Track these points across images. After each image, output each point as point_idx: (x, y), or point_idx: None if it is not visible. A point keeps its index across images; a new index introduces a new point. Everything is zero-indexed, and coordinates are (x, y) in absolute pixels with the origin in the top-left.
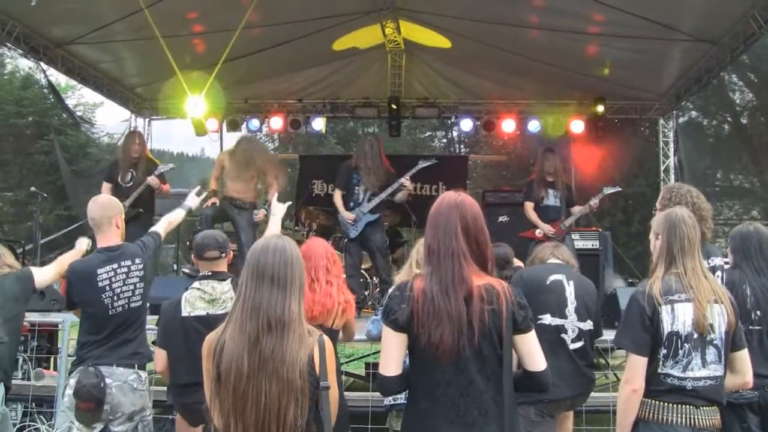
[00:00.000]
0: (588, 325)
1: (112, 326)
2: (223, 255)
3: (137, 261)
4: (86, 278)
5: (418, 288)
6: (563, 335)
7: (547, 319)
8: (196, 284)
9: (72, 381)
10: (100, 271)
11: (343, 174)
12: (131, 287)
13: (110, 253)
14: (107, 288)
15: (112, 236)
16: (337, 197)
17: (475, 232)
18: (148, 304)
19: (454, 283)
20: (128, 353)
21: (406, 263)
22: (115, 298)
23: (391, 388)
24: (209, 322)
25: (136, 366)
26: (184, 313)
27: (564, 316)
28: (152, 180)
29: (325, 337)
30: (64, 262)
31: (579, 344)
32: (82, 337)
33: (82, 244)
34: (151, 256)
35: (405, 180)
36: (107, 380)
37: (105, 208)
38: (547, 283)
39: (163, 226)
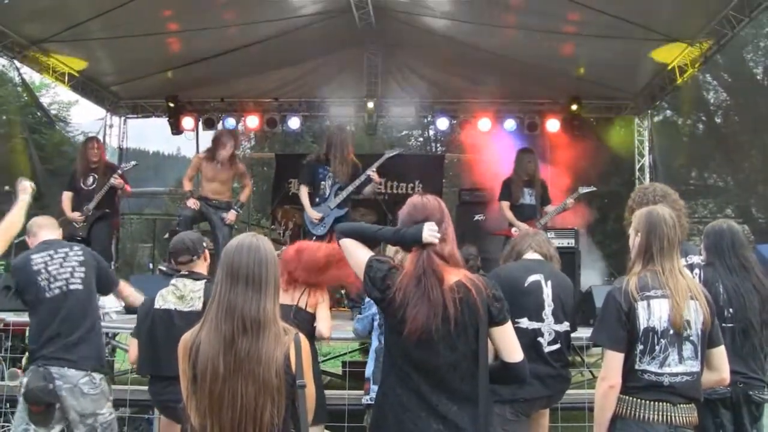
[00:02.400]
0: (564, 326)
1: (51, 312)
2: (195, 258)
3: (75, 248)
4: (22, 265)
5: (408, 269)
6: (539, 338)
7: (524, 323)
8: (173, 281)
9: (24, 380)
10: (34, 256)
11: (307, 170)
12: (69, 269)
13: (47, 244)
14: (42, 270)
15: (52, 233)
16: (303, 194)
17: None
18: (99, 301)
19: (427, 275)
20: (80, 356)
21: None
22: (51, 279)
23: None
24: (173, 317)
25: (88, 369)
26: (156, 306)
27: (541, 320)
28: (116, 180)
29: (301, 335)
30: (9, 220)
31: (555, 347)
32: (31, 332)
33: (25, 187)
34: (93, 254)
35: (371, 172)
36: (57, 382)
37: (49, 217)
38: (525, 285)
39: None
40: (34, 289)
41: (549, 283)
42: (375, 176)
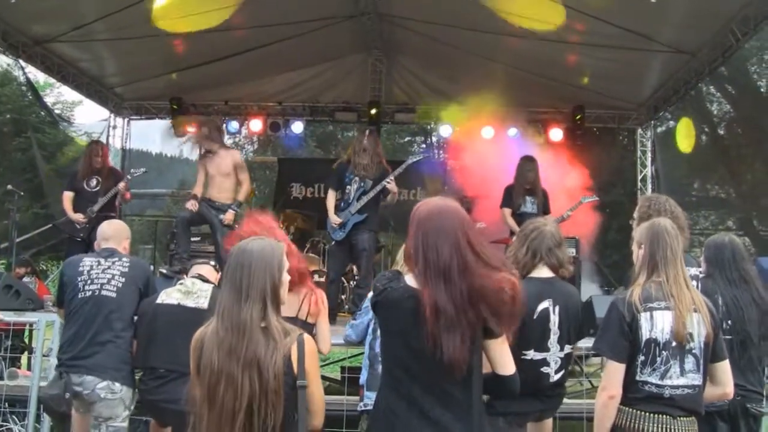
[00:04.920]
0: (567, 349)
1: (77, 313)
2: (212, 263)
3: (124, 260)
4: (74, 263)
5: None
6: (545, 368)
7: (530, 354)
8: (182, 280)
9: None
10: (87, 258)
11: (335, 174)
12: (108, 276)
13: (107, 251)
14: (85, 272)
15: (113, 243)
16: (330, 198)
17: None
18: (133, 317)
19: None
20: (97, 364)
21: (396, 265)
22: (89, 281)
23: None
24: (175, 311)
25: (106, 378)
26: (158, 301)
27: (546, 350)
28: (122, 186)
29: (306, 336)
30: None
31: (560, 374)
32: (62, 337)
33: None
34: (144, 270)
35: (387, 182)
36: (77, 389)
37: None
38: (534, 317)
39: None
40: (72, 287)
41: (557, 309)
42: (391, 186)
